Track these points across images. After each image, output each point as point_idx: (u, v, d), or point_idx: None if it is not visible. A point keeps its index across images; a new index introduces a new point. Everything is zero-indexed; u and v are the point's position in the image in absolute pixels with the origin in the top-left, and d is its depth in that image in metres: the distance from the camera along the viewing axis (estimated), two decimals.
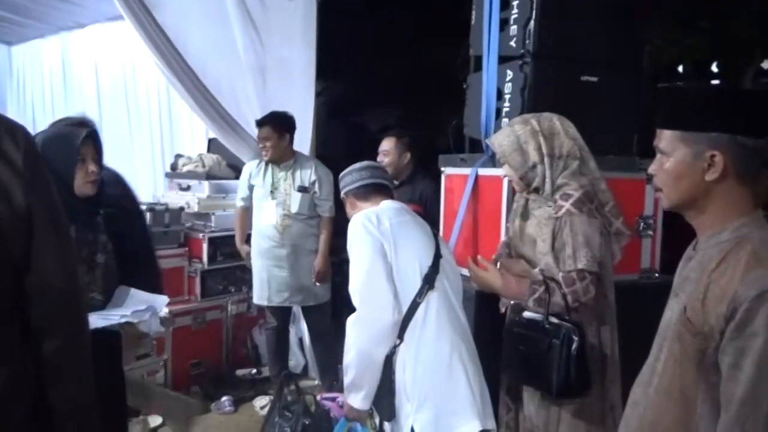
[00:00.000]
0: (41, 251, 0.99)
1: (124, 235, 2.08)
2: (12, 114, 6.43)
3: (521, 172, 2.00)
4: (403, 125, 5.38)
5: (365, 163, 2.15)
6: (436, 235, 2.02)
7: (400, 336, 1.82)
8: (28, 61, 6.42)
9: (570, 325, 1.78)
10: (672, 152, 1.25)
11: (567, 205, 1.89)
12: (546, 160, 1.96)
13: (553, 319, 1.80)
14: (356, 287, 1.83)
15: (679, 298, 1.30)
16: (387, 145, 3.48)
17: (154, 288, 2.09)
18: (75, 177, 1.90)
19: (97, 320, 1.76)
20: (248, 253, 3.71)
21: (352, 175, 2.10)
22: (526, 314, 1.89)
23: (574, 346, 1.74)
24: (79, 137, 1.92)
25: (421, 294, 1.84)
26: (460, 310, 1.98)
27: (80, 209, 1.92)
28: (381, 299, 1.79)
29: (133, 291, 1.99)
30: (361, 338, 1.81)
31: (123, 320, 1.86)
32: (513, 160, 2.00)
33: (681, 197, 1.27)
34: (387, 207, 1.98)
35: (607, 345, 1.95)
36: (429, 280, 1.86)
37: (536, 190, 2.01)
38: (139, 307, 1.93)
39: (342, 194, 2.14)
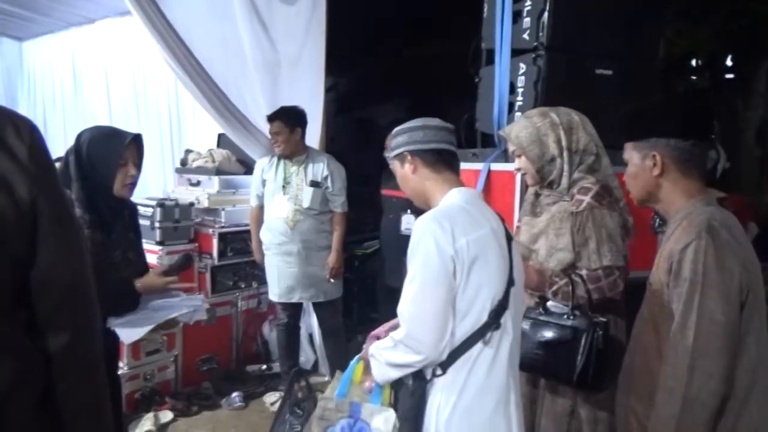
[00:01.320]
0: (45, 246, 0.98)
1: (137, 232, 2.22)
2: (22, 108, 6.47)
3: (538, 165, 1.97)
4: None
5: (437, 121, 1.67)
6: (510, 245, 1.60)
7: (444, 367, 1.51)
8: (38, 56, 6.44)
9: (597, 320, 1.78)
10: (630, 159, 1.62)
11: (587, 198, 1.87)
12: (565, 153, 1.94)
13: (577, 312, 1.81)
14: (407, 310, 1.50)
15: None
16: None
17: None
18: (115, 179, 1.98)
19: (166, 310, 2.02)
20: (263, 260, 3.70)
21: (423, 132, 1.63)
22: (550, 304, 1.89)
23: (600, 340, 1.75)
24: (125, 140, 2.01)
25: (483, 332, 1.50)
26: (517, 348, 1.63)
27: (120, 209, 2.07)
28: (431, 337, 1.47)
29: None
30: (405, 359, 1.52)
31: (191, 309, 2.05)
32: (531, 152, 1.97)
33: (640, 193, 1.62)
34: (461, 208, 1.55)
35: (620, 337, 1.94)
36: (496, 317, 1.51)
37: (550, 185, 1.98)
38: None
39: (400, 151, 1.65)
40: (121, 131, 2.07)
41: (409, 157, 1.63)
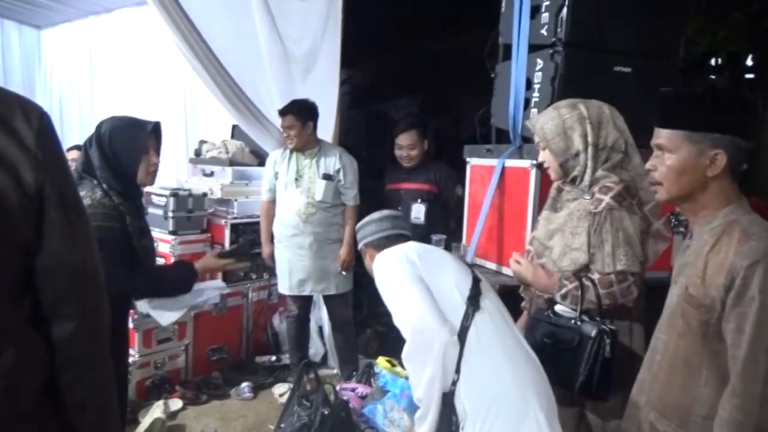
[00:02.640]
0: (51, 232, 0.97)
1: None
2: (39, 96, 6.53)
3: (562, 159, 1.90)
4: (424, 114, 5.34)
5: (384, 213, 2.05)
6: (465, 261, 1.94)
7: (457, 370, 1.60)
8: (56, 44, 6.48)
9: (606, 327, 1.71)
10: (676, 149, 1.39)
11: (607, 198, 1.80)
12: (590, 149, 1.86)
13: (585, 317, 1.74)
14: (403, 317, 1.66)
15: (677, 283, 1.45)
16: (410, 139, 3.72)
17: None
18: (139, 168, 2.01)
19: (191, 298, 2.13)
20: (271, 255, 3.70)
21: (370, 227, 2.00)
22: (558, 308, 1.83)
23: (607, 348, 1.67)
24: (146, 129, 2.04)
25: (467, 317, 1.65)
26: (515, 327, 1.80)
27: (140, 199, 2.13)
28: (432, 321, 1.60)
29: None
30: (424, 366, 1.59)
31: (217, 292, 2.06)
32: (555, 145, 1.90)
33: (681, 191, 1.41)
34: (408, 244, 1.87)
35: (637, 344, 1.89)
36: (473, 302, 1.68)
37: (573, 180, 1.91)
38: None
39: (360, 246, 2.03)
40: (141, 120, 2.09)
41: (365, 249, 2.00)
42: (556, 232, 1.92)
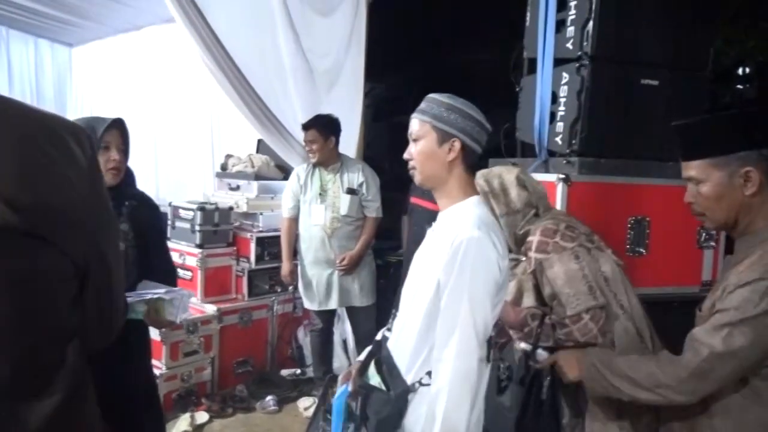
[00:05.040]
0: (98, 238, 1.04)
1: (148, 228, 2.15)
2: (70, 111, 6.70)
3: None
4: None
5: (484, 117, 1.61)
6: None
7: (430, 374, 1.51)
8: (87, 61, 6.65)
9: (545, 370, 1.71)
10: (707, 178, 1.38)
11: (532, 253, 1.84)
12: (503, 219, 1.91)
13: (541, 351, 1.75)
14: (468, 322, 1.42)
15: (713, 293, 1.44)
16: None
17: (171, 281, 2.18)
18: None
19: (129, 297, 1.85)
20: (291, 273, 3.68)
21: (479, 128, 1.57)
22: (522, 345, 1.82)
23: (544, 389, 1.67)
24: (103, 124, 1.99)
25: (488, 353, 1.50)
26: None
27: (116, 198, 1.98)
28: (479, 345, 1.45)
29: (155, 284, 2.03)
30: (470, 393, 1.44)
31: (156, 296, 1.92)
32: None
33: (726, 215, 1.39)
34: (494, 224, 1.54)
35: None
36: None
37: (510, 250, 1.94)
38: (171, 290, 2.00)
39: (454, 132, 1.55)
40: (101, 117, 2.05)
41: (457, 146, 1.54)
42: (525, 296, 1.94)
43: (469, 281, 1.42)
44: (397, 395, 1.53)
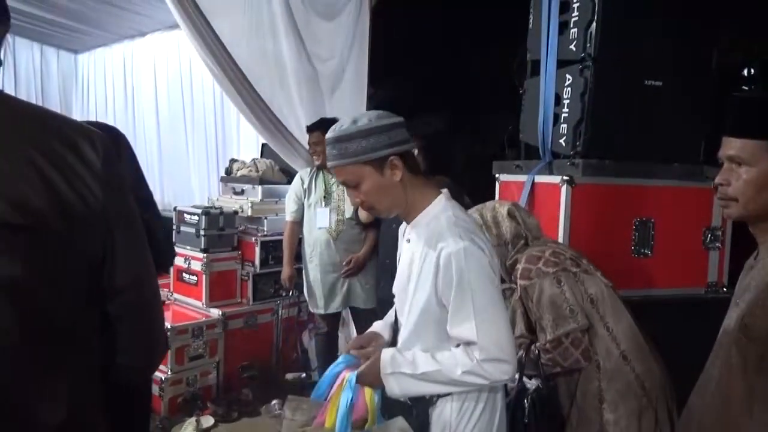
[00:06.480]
0: (116, 247, 1.04)
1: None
2: (76, 117, 6.71)
3: None
4: (452, 130, 5.34)
5: (385, 115, 1.47)
6: None
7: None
8: (92, 68, 6.69)
9: (528, 386, 1.79)
10: (754, 162, 1.23)
11: (519, 281, 1.89)
12: (495, 250, 1.92)
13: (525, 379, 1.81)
14: (491, 335, 1.39)
15: (739, 307, 1.29)
16: None
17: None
18: None
19: None
20: (290, 277, 3.68)
21: (402, 132, 1.46)
22: None
23: (525, 410, 1.74)
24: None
25: None
26: None
27: None
28: (514, 348, 1.44)
29: None
30: (490, 377, 1.41)
31: None
32: None
33: (762, 207, 1.24)
34: (468, 221, 1.51)
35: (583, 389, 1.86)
36: None
37: (502, 280, 1.97)
38: None
39: (385, 153, 1.43)
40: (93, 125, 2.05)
41: (397, 161, 1.44)
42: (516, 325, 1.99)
43: (471, 298, 1.38)
44: (418, 412, 1.52)
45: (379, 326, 1.72)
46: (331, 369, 1.56)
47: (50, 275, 0.95)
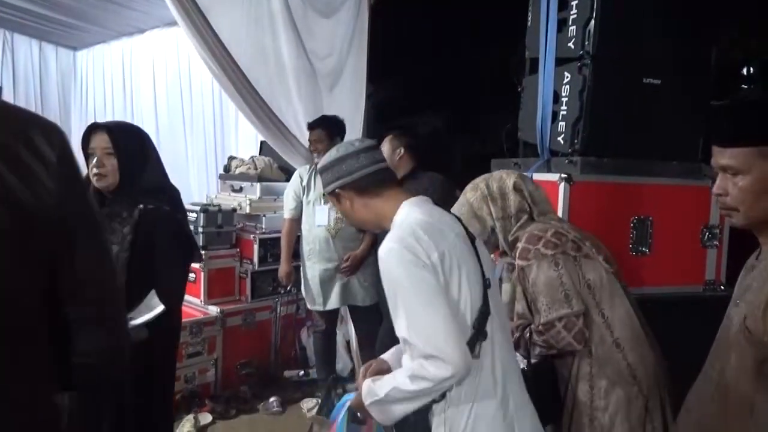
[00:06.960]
0: (75, 251, 1.00)
1: (148, 235, 1.97)
2: (74, 114, 6.73)
3: (485, 238, 1.94)
4: (451, 129, 5.34)
5: (362, 142, 1.59)
6: (474, 245, 1.51)
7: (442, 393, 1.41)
8: (91, 65, 6.68)
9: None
10: (748, 169, 1.20)
11: (517, 261, 1.87)
12: (498, 223, 1.94)
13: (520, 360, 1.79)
14: (417, 328, 1.34)
15: (739, 307, 1.26)
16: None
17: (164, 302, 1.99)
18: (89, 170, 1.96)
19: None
20: (288, 274, 3.68)
21: (348, 162, 1.52)
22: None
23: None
24: (86, 132, 1.98)
25: (473, 345, 1.39)
26: (510, 351, 1.57)
27: (110, 204, 1.98)
28: (454, 336, 1.34)
29: (157, 301, 1.96)
30: (429, 384, 1.35)
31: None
32: (473, 227, 1.88)
33: (765, 213, 1.21)
34: (420, 221, 1.44)
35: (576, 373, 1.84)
36: (480, 327, 1.42)
37: (504, 253, 1.98)
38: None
39: (333, 188, 1.55)
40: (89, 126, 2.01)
41: (342, 193, 1.55)
42: (509, 304, 2.00)
43: (402, 298, 1.37)
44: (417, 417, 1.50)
45: (389, 353, 1.75)
46: (344, 398, 1.65)
47: None
